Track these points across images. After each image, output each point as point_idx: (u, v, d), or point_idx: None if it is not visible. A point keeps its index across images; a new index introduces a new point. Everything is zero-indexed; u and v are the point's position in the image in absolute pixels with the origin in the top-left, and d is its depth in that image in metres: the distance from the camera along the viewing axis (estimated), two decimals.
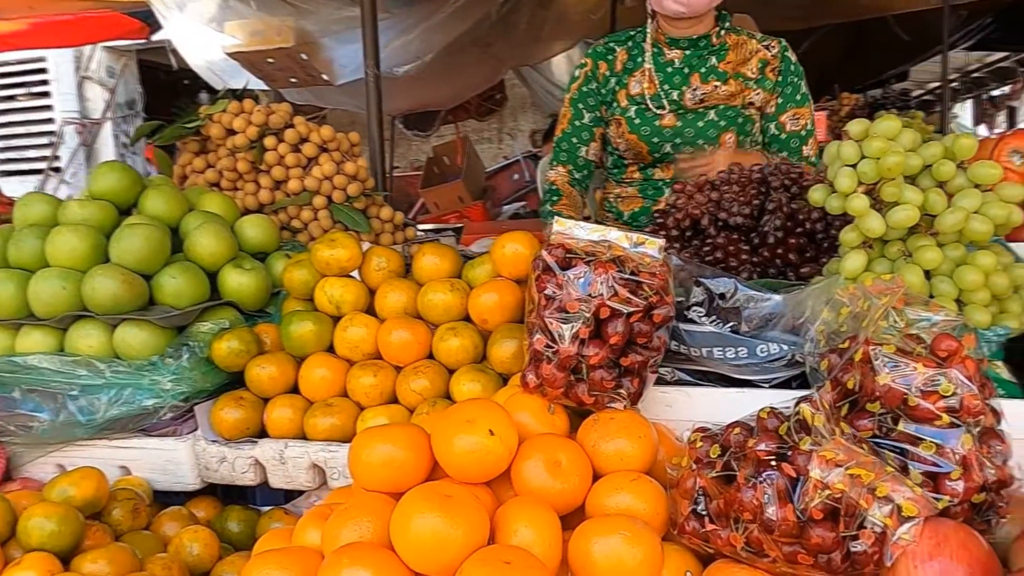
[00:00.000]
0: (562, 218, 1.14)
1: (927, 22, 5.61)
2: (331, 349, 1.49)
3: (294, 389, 1.48)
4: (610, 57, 2.17)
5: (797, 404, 0.92)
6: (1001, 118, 14.38)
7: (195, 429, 1.46)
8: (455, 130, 7.30)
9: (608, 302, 1.04)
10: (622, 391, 1.08)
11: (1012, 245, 1.34)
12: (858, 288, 1.05)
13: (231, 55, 4.19)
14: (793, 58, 2.11)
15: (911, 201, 1.13)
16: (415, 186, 7.34)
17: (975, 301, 1.13)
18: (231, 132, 1.90)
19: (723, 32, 2.08)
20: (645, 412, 1.15)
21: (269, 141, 1.88)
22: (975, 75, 12.37)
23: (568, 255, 1.09)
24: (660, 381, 1.18)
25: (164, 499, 1.48)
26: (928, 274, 1.16)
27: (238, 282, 1.59)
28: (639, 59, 2.13)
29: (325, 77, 4.58)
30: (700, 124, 2.07)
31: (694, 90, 2.06)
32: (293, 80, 4.49)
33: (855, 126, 1.19)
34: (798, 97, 2.10)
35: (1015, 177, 1.70)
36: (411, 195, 7.50)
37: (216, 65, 4.45)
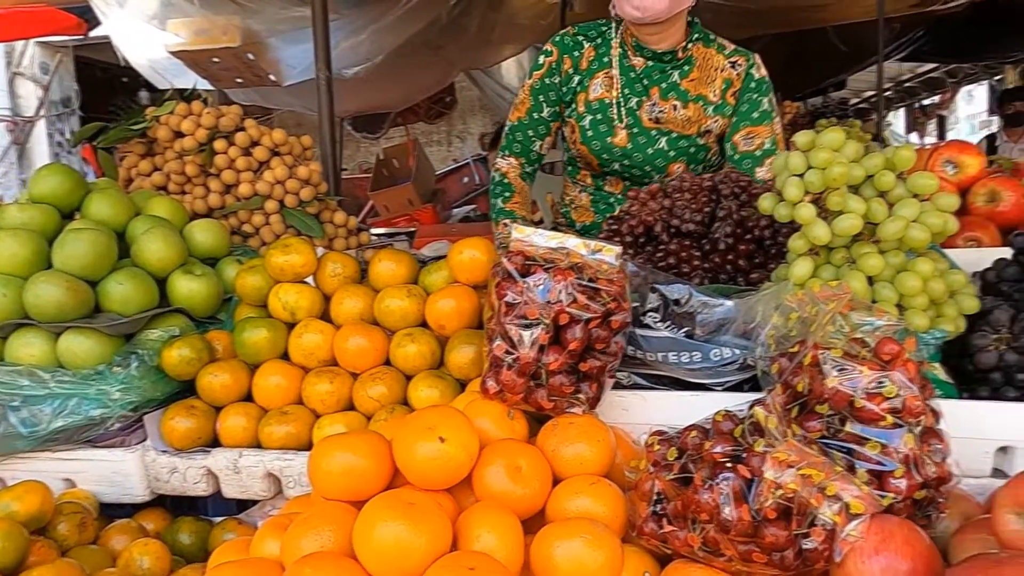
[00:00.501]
0: (520, 224, 1.15)
1: (863, 34, 5.84)
2: (285, 356, 1.48)
3: (247, 397, 1.45)
4: (576, 53, 2.08)
5: (751, 407, 0.95)
6: (931, 126, 15.00)
7: (144, 439, 1.43)
8: (404, 132, 7.27)
9: (567, 309, 1.06)
10: (581, 396, 1.10)
11: (947, 251, 1.41)
12: (806, 294, 1.09)
13: (174, 54, 4.09)
14: (757, 74, 2.02)
15: (855, 210, 1.18)
16: (364, 188, 7.26)
17: (915, 306, 1.18)
18: (179, 134, 1.86)
19: (690, 45, 2.00)
20: (602, 416, 1.17)
21: (219, 144, 1.84)
22: (908, 84, 12.91)
23: (528, 262, 1.11)
24: (617, 385, 1.20)
25: (111, 512, 1.44)
26: (871, 280, 1.20)
27: (188, 288, 1.56)
28: (605, 59, 2.06)
29: (272, 78, 4.50)
30: (650, 151, 2.03)
31: (652, 104, 2.01)
32: (239, 80, 4.41)
33: (801, 137, 1.24)
34: (755, 115, 2.00)
35: (949, 187, 1.79)
36: (360, 198, 7.42)
37: (158, 64, 4.34)
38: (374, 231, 2.67)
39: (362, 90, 5.30)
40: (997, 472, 1.14)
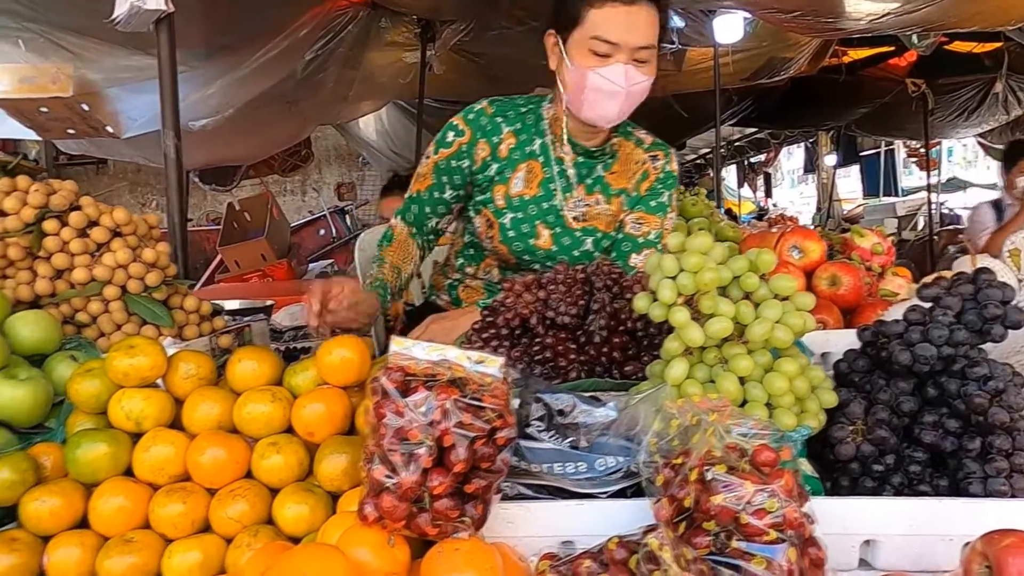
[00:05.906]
0: (397, 337, 1.10)
1: (700, 102, 6.33)
2: (129, 472, 1.32)
3: (83, 523, 1.28)
4: (495, 138, 1.93)
5: (644, 535, 0.93)
6: (760, 182, 16.43)
7: None
8: (258, 183, 6.98)
9: (452, 429, 1.01)
10: (466, 519, 1.04)
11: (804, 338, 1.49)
12: (686, 402, 1.10)
13: None
14: (670, 167, 2.01)
15: (725, 313, 1.22)
16: (212, 241, 6.87)
17: (782, 405, 1.23)
18: (1, 213, 1.65)
19: (615, 138, 1.97)
20: (487, 530, 1.12)
21: (50, 225, 1.65)
22: (737, 144, 14.12)
23: (408, 378, 1.05)
24: (502, 497, 1.16)
25: None
26: (742, 380, 1.24)
27: (10, 396, 1.37)
28: (527, 148, 1.93)
29: (110, 129, 4.19)
30: (576, 252, 1.96)
31: (577, 200, 1.95)
32: (71, 131, 4.07)
33: (672, 239, 1.27)
34: (653, 203, 1.99)
35: (795, 271, 1.91)
36: (207, 251, 7.01)
37: None
38: (228, 305, 2.49)
39: (211, 143, 5.06)
40: (863, 563, 1.20)
